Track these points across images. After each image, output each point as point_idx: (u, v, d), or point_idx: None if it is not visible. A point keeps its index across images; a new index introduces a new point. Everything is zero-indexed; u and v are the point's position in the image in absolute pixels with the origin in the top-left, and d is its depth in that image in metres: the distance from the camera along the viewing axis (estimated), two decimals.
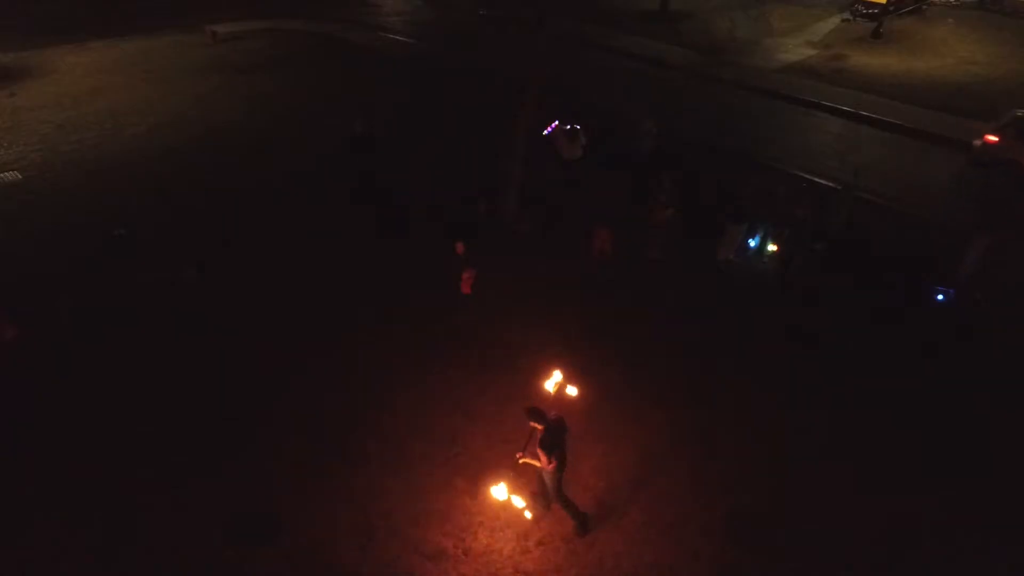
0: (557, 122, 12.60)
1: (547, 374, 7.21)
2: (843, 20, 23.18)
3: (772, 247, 11.03)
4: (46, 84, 18.01)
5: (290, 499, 7.22)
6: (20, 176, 13.54)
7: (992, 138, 13.60)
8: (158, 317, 9.55)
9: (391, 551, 6.77)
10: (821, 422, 8.27)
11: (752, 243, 11.16)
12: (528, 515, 6.84)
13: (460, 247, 9.45)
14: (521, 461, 6.59)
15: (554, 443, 6.29)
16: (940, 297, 10.07)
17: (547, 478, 6.60)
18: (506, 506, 6.85)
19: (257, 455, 7.68)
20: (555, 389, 7.11)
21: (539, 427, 6.29)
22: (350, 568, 6.63)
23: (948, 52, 20.70)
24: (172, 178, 13.51)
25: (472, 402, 8.37)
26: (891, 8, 22.26)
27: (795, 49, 21.08)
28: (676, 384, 8.76)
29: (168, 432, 7.94)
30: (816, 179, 13.54)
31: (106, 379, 8.63)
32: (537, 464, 6.47)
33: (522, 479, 7.14)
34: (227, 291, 10.04)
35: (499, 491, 6.56)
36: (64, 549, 6.76)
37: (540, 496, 6.97)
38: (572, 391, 7.22)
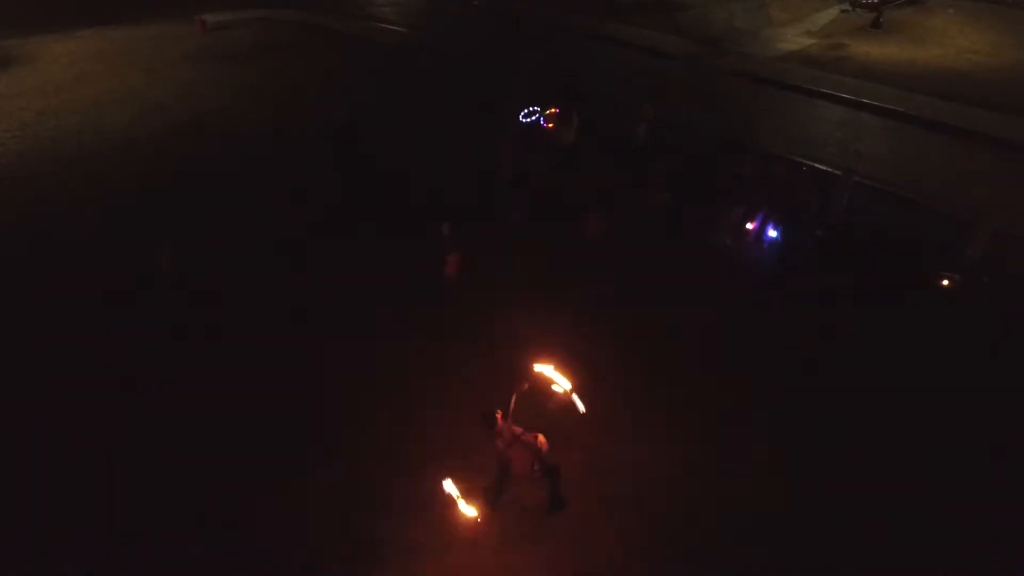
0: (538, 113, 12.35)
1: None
2: (842, 11, 22.87)
3: (772, 232, 10.67)
4: (29, 72, 17.59)
5: (263, 496, 6.84)
6: None
7: None
8: (134, 310, 9.16)
9: (369, 544, 6.40)
10: (819, 412, 7.92)
11: (750, 227, 10.80)
12: (472, 513, 6.18)
13: (445, 228, 9.08)
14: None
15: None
16: (945, 283, 9.73)
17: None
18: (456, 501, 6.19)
19: (229, 450, 7.25)
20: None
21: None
22: (323, 564, 6.27)
23: (948, 41, 20.40)
24: (154, 166, 13.12)
25: (454, 395, 7.95)
26: None
27: (794, 39, 20.75)
28: (670, 378, 8.40)
29: (140, 426, 7.57)
30: (816, 165, 13.21)
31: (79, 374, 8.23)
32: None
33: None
34: (203, 281, 9.63)
35: (448, 486, 6.08)
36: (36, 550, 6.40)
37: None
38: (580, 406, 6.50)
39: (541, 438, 6.31)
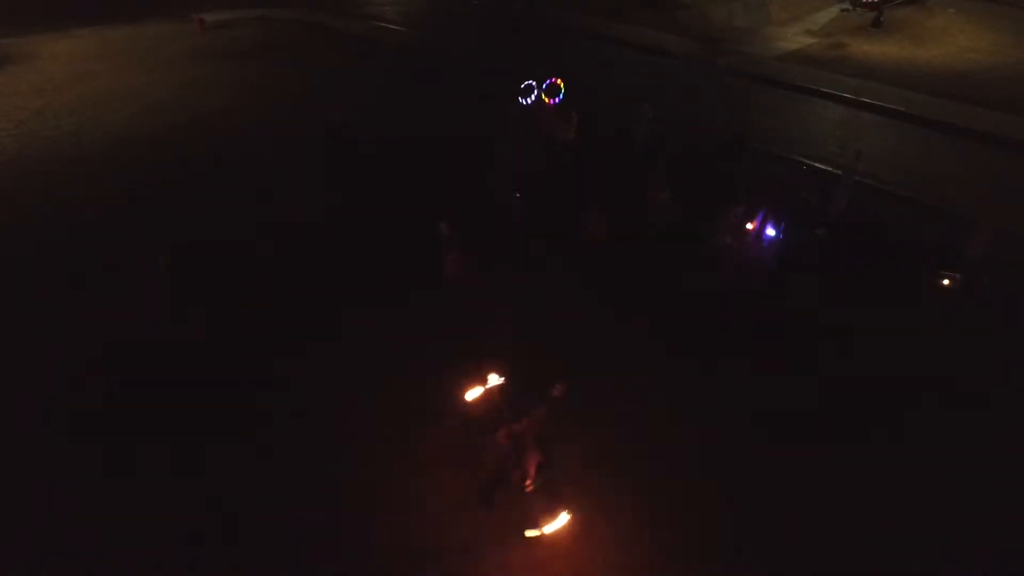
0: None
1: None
2: (842, 10, 22.84)
3: (772, 231, 10.63)
4: (26, 71, 17.53)
5: (252, 494, 6.79)
6: None
7: None
8: (127, 307, 9.12)
9: (362, 545, 6.36)
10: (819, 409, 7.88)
11: (751, 227, 10.76)
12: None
13: (444, 227, 9.03)
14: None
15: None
16: (946, 281, 9.70)
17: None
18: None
19: (219, 449, 7.23)
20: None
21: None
22: (316, 565, 6.23)
23: (949, 41, 20.38)
24: (152, 165, 13.08)
25: (449, 395, 7.89)
26: None
27: (794, 38, 20.72)
28: (669, 375, 8.36)
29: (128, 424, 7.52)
30: (816, 164, 13.17)
31: (78, 374, 8.17)
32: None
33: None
34: (198, 280, 9.58)
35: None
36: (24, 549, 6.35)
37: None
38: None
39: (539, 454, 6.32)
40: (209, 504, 6.67)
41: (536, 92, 11.94)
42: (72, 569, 6.23)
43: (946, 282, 9.69)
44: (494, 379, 6.90)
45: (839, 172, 11.87)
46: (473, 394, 6.77)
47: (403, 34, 21.06)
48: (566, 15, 22.03)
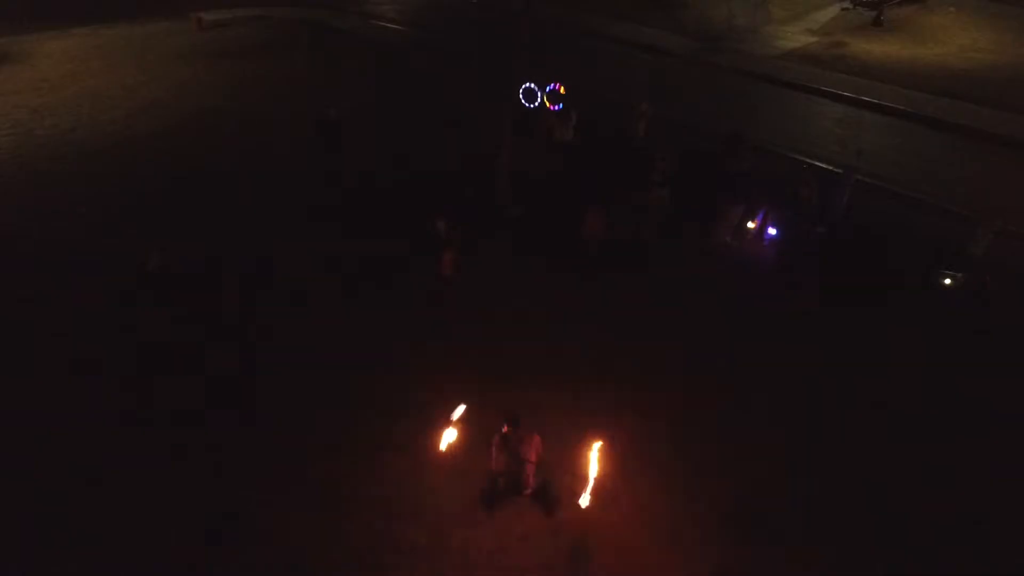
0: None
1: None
2: (843, 9, 22.76)
3: (772, 230, 10.56)
4: (23, 70, 17.46)
5: (253, 494, 6.73)
6: None
7: None
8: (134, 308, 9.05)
9: (363, 546, 6.28)
10: (820, 412, 7.80)
11: (751, 226, 10.70)
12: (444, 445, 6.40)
13: (441, 225, 8.95)
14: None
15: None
16: (947, 280, 9.63)
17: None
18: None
19: (217, 448, 7.18)
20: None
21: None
22: (318, 565, 6.15)
23: (949, 40, 20.29)
24: (148, 164, 13.01)
25: (450, 393, 7.81)
26: None
27: (794, 37, 20.64)
28: (670, 375, 8.29)
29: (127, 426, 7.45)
30: (817, 163, 13.09)
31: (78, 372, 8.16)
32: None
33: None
34: (194, 278, 9.52)
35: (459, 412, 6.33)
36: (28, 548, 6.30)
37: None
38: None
39: (531, 468, 6.27)
40: (209, 504, 6.60)
41: (539, 96, 11.86)
42: (72, 569, 6.16)
43: (948, 281, 9.63)
44: None
45: (840, 171, 11.79)
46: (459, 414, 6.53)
47: (402, 32, 20.98)
48: (566, 13, 21.93)
